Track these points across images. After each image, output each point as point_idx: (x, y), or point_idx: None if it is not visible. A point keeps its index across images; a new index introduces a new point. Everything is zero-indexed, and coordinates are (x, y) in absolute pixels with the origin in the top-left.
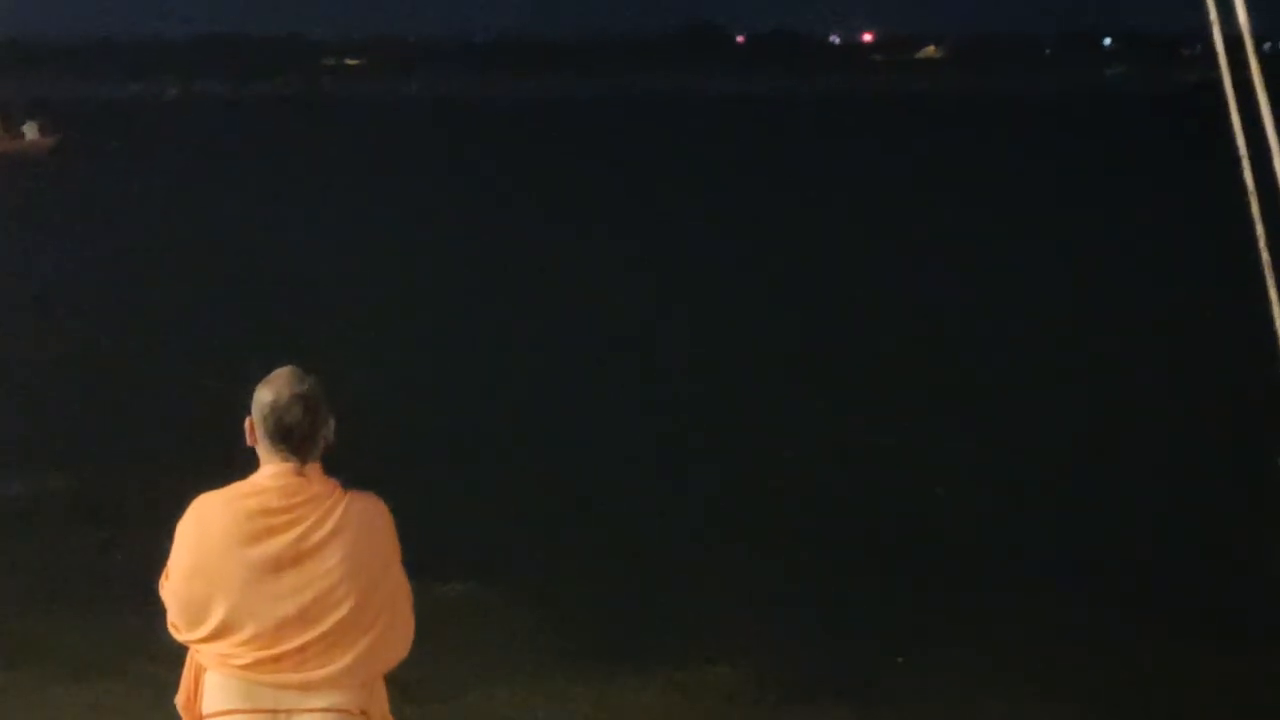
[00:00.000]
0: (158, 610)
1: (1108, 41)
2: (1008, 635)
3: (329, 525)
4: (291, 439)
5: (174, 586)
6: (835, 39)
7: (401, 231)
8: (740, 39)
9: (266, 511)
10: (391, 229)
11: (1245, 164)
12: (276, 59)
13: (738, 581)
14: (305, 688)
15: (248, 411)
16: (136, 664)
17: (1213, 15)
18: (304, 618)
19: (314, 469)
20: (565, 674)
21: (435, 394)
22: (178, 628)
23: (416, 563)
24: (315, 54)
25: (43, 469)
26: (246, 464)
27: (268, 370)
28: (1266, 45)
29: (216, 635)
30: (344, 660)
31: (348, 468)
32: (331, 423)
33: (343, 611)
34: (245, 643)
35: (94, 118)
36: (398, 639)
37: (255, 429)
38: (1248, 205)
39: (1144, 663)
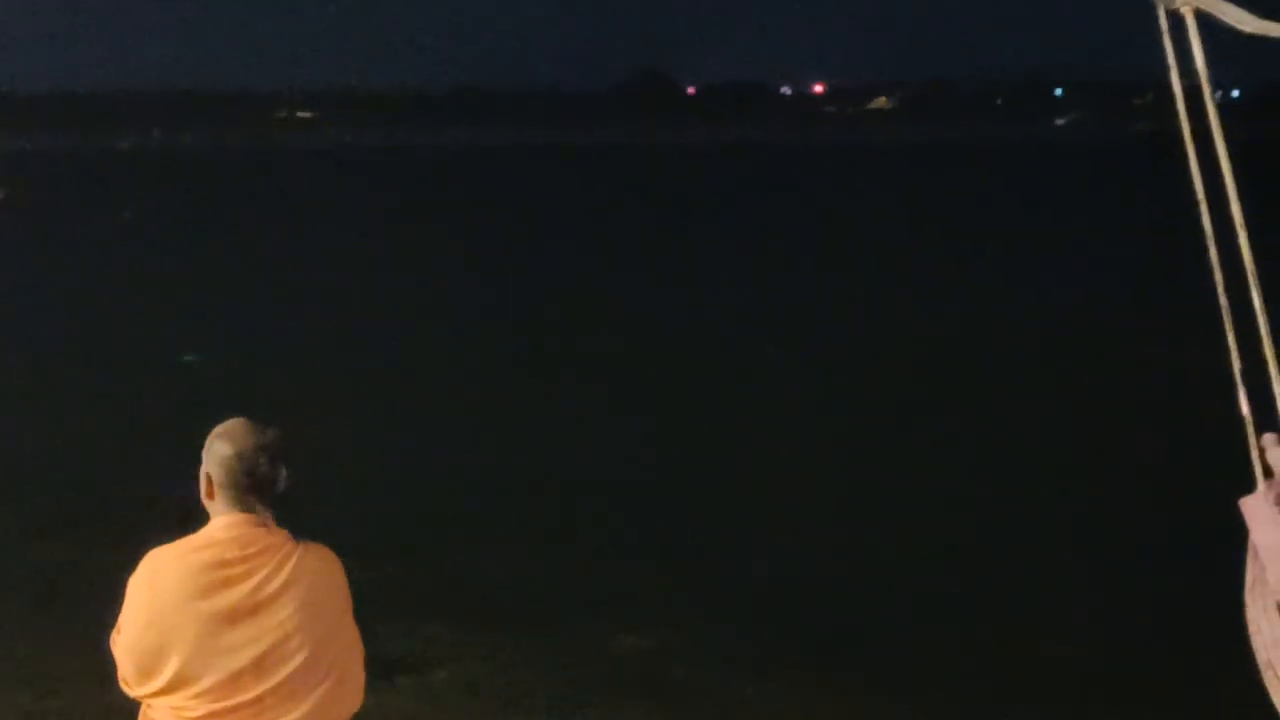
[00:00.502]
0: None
1: (1059, 91)
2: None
3: (283, 576)
4: (256, 490)
5: (127, 640)
6: (786, 90)
7: (355, 280)
8: (691, 90)
9: (221, 563)
10: (344, 277)
11: (1204, 210)
12: (228, 111)
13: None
14: None
15: (199, 463)
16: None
17: (1170, 62)
18: (259, 669)
19: (268, 519)
20: None
21: (388, 438)
22: (129, 682)
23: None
24: (267, 106)
25: None
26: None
27: (215, 419)
28: (1219, 93)
29: (171, 688)
30: (298, 712)
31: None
32: (284, 474)
33: (297, 662)
34: (200, 695)
35: (45, 170)
36: (349, 692)
37: (212, 482)
38: (1206, 252)
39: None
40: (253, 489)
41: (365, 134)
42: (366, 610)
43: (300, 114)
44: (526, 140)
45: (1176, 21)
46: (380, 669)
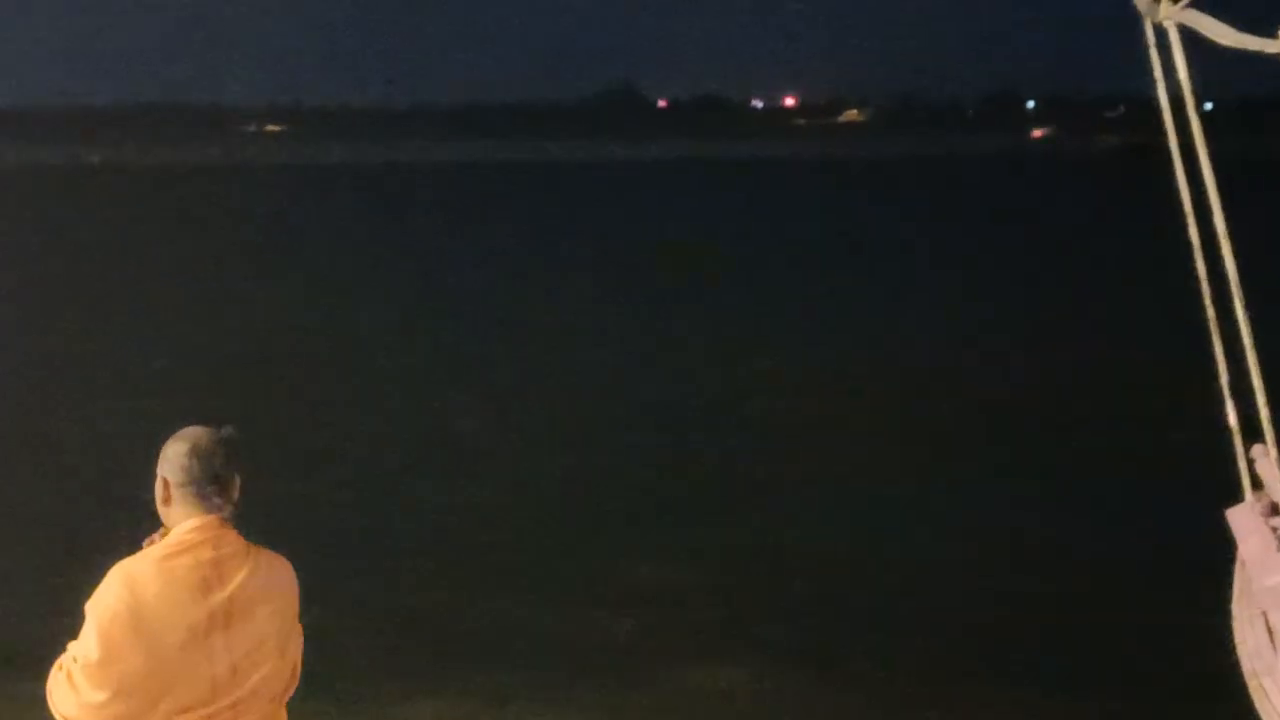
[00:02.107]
0: None
1: (1031, 104)
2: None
3: (258, 581)
4: (218, 483)
5: (101, 659)
6: (758, 103)
7: (323, 294)
8: (662, 103)
9: (199, 565)
10: (313, 291)
11: (1190, 221)
12: (196, 125)
13: None
14: None
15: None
16: None
17: (1157, 75)
18: (236, 674)
19: (229, 520)
20: None
21: (357, 448)
22: (99, 709)
23: None
24: (236, 120)
25: None
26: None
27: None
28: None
29: (153, 704)
30: (262, 712)
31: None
32: (238, 480)
33: (268, 667)
34: (183, 708)
35: (11, 185)
36: (294, 684)
37: (170, 485)
38: (1188, 262)
39: None
40: (212, 484)
41: (332, 149)
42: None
43: (269, 128)
44: (495, 155)
45: (1160, 36)
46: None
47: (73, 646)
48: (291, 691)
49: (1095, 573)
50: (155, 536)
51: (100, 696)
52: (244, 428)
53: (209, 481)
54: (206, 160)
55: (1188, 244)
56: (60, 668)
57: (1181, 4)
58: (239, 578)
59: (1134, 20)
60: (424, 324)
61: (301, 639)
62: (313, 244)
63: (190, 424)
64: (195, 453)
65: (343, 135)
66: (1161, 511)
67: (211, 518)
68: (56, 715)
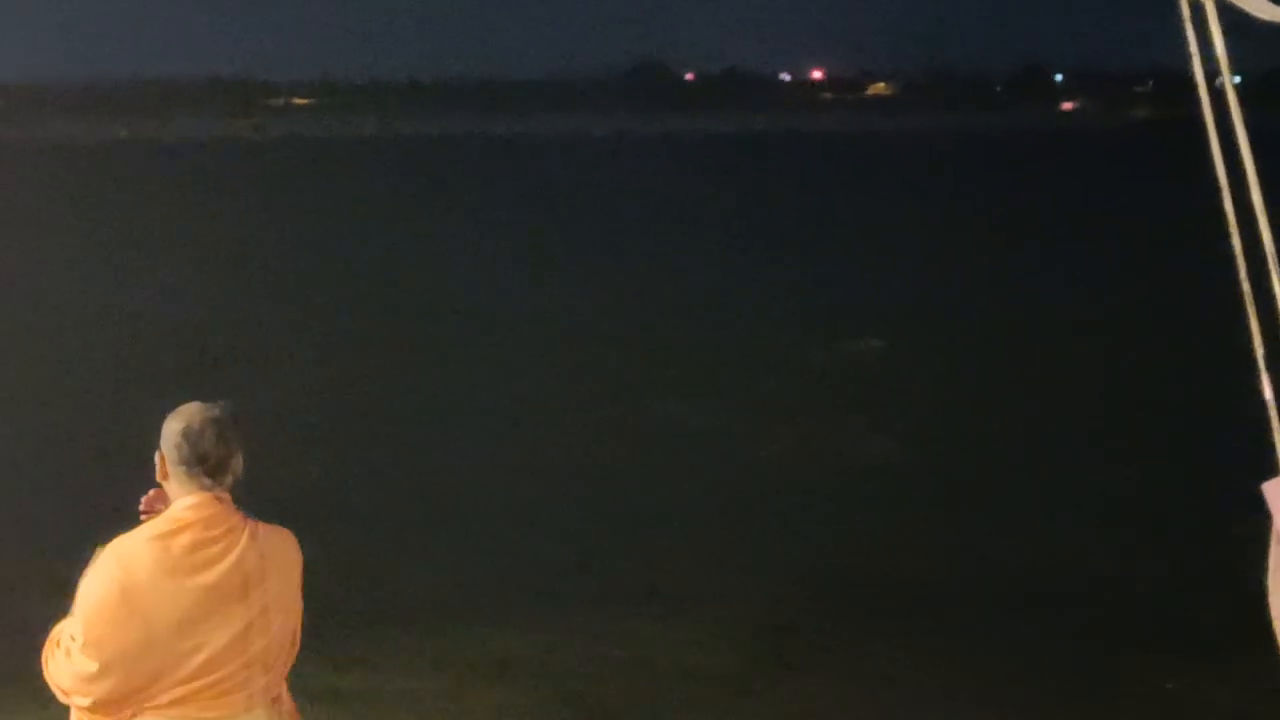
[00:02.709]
0: None
1: (1059, 78)
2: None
3: (256, 554)
4: (208, 463)
5: (96, 636)
6: (785, 76)
7: (352, 268)
8: (689, 77)
9: (195, 544)
10: (342, 266)
11: (1226, 196)
12: (224, 99)
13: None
14: (232, 713)
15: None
16: None
17: (1192, 50)
18: (236, 645)
19: (228, 499)
20: None
21: (383, 427)
22: (93, 689)
23: None
24: (263, 94)
25: None
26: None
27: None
28: (1219, 80)
29: (151, 681)
30: (266, 679)
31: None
32: (240, 455)
33: (272, 634)
34: (182, 683)
35: (41, 160)
36: (294, 655)
37: (165, 461)
38: (1225, 238)
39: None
40: (202, 464)
41: (362, 122)
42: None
43: (296, 101)
44: (523, 129)
45: (1195, 10)
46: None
47: (67, 622)
48: (291, 662)
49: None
50: (153, 494)
51: (94, 669)
52: (267, 403)
53: (198, 461)
54: (234, 133)
55: (1223, 217)
56: (57, 643)
57: None
58: (233, 555)
59: None
60: (455, 297)
61: (300, 610)
62: (342, 218)
63: (191, 401)
64: (186, 432)
65: (372, 109)
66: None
67: (206, 496)
68: (52, 687)
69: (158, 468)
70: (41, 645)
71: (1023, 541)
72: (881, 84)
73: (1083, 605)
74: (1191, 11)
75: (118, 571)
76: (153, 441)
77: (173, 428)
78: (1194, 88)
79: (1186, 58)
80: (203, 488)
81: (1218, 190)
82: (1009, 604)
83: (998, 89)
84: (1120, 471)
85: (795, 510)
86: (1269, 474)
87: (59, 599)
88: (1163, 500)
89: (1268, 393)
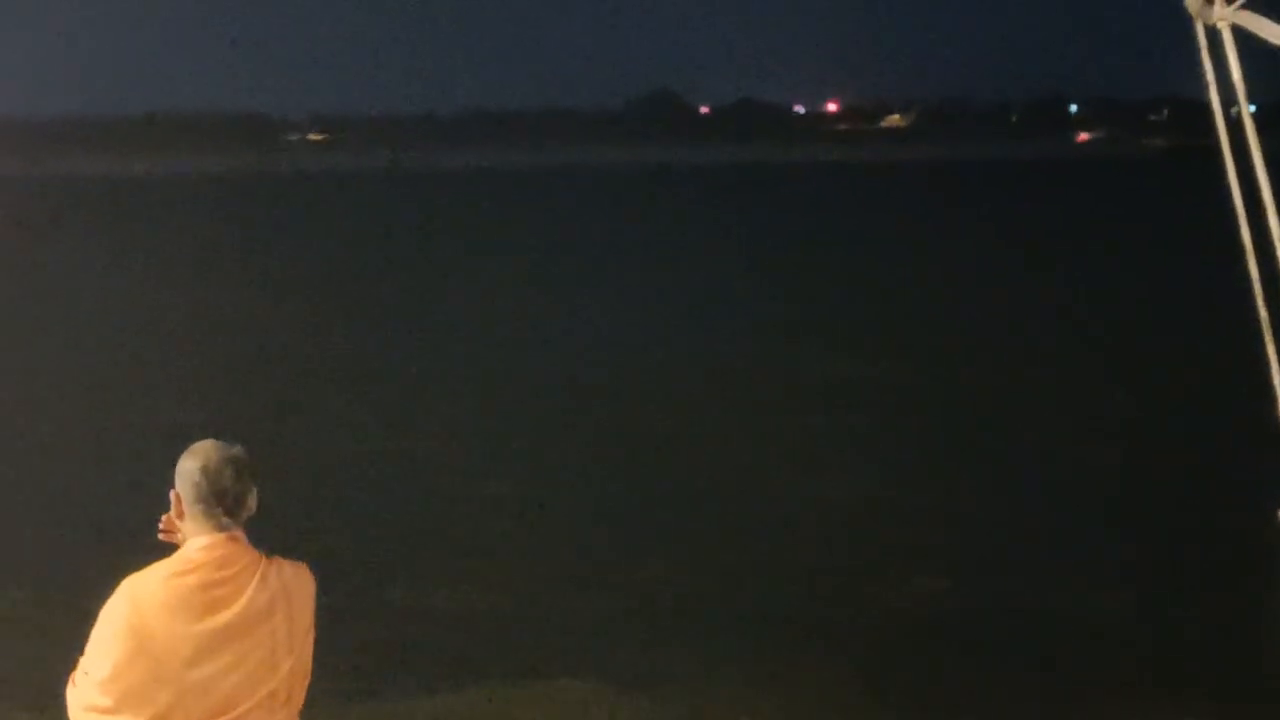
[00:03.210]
0: None
1: (1074, 108)
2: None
3: (269, 593)
4: (225, 502)
5: (106, 675)
6: (800, 108)
7: (370, 299)
8: (704, 109)
9: (206, 585)
10: (361, 297)
11: (1242, 222)
12: (241, 134)
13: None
14: None
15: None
16: None
17: (1209, 78)
18: (250, 684)
19: (242, 536)
20: None
21: (389, 462)
22: (107, 713)
23: None
24: (279, 129)
25: None
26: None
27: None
28: (1235, 109)
29: (161, 716)
30: (279, 717)
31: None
32: (255, 493)
33: (279, 676)
34: (195, 718)
35: (59, 195)
36: (303, 692)
37: (182, 500)
38: (1241, 263)
39: None
40: (220, 503)
41: (377, 156)
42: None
43: (312, 137)
44: (539, 161)
45: (1212, 37)
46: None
47: (82, 661)
48: (301, 700)
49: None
50: (169, 517)
51: (106, 703)
52: (305, 432)
53: (217, 501)
54: (249, 169)
55: (1240, 245)
56: (73, 683)
57: (1235, 5)
58: (247, 594)
59: (1175, 23)
60: (473, 330)
61: (312, 646)
62: (359, 252)
63: (206, 438)
64: (205, 471)
65: (386, 143)
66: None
67: (219, 536)
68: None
69: (173, 506)
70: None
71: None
72: (896, 115)
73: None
74: (1208, 40)
75: (130, 610)
76: (160, 455)
77: (190, 466)
78: (1210, 116)
79: (1202, 86)
80: (220, 526)
81: (1235, 217)
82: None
83: (1013, 119)
84: (1144, 499)
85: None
86: None
87: None
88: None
89: None
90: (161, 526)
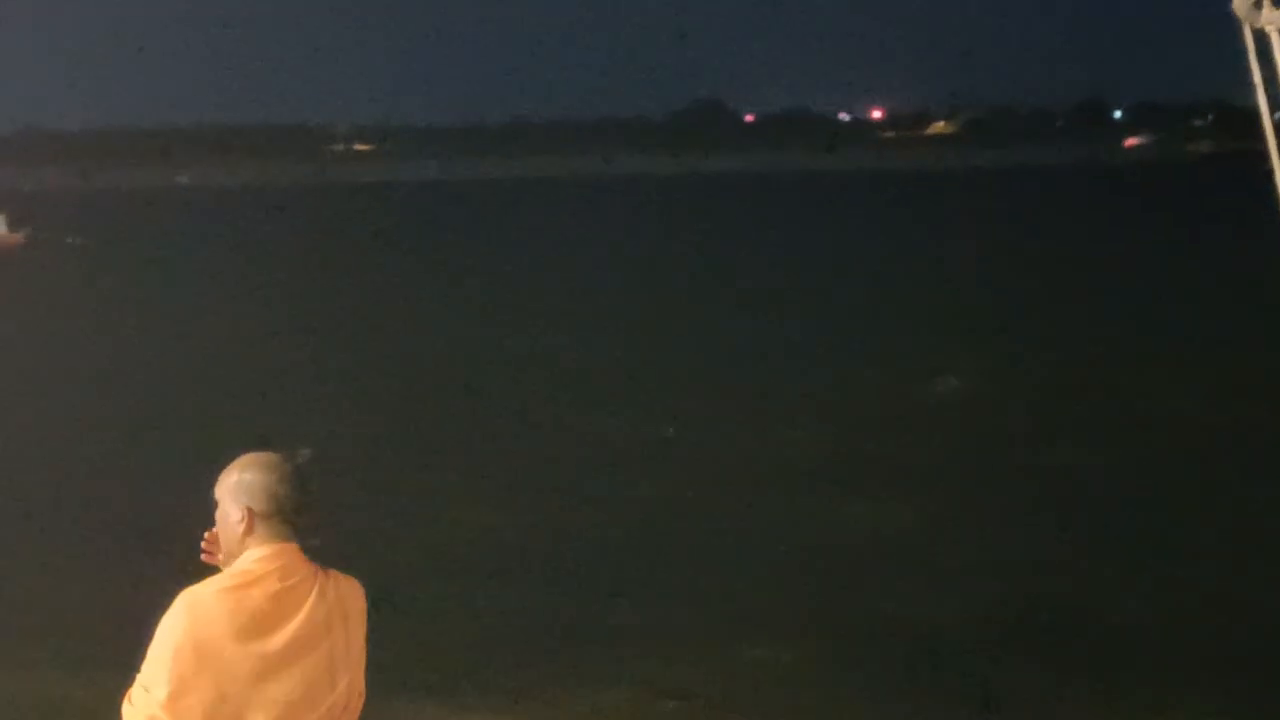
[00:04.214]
0: None
1: (1118, 114)
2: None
3: (327, 605)
4: (303, 512)
5: (170, 691)
6: (844, 116)
7: (417, 310)
8: (749, 118)
9: (269, 599)
10: (406, 309)
11: None
12: (284, 145)
13: None
14: None
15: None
16: None
17: (1256, 80)
18: (310, 700)
19: (299, 548)
20: None
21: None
22: None
23: None
24: (322, 140)
25: None
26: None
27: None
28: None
29: None
30: None
31: None
32: (315, 500)
33: (340, 688)
34: None
35: (106, 207)
36: (360, 706)
37: (253, 514)
38: None
39: None
40: (297, 511)
41: (424, 167)
42: None
43: (357, 147)
44: (586, 171)
45: (1260, 41)
46: None
47: (140, 677)
48: (358, 713)
49: None
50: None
51: None
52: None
53: (294, 511)
54: (295, 179)
55: None
56: (130, 701)
57: None
58: (306, 607)
59: (1221, 27)
60: (523, 337)
61: (364, 660)
62: (412, 261)
63: (255, 450)
64: (285, 480)
65: (433, 153)
66: None
67: (282, 545)
68: None
69: (235, 522)
70: None
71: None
72: (941, 122)
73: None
74: (1256, 44)
75: (190, 625)
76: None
77: (263, 480)
78: (1259, 119)
79: (1250, 89)
80: (286, 538)
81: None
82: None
83: (1059, 124)
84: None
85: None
86: None
87: None
88: None
89: None
90: (205, 548)
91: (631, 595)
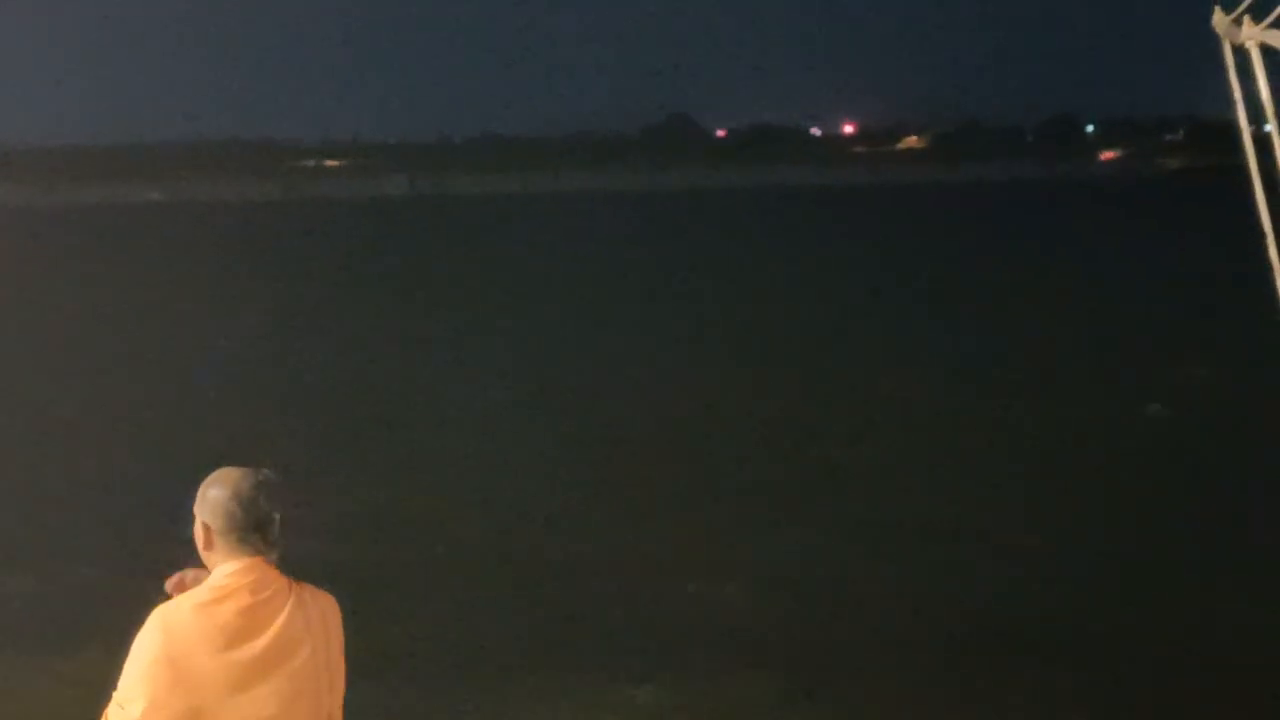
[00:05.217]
0: None
1: (1090, 128)
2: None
3: (301, 618)
4: (262, 529)
5: (146, 706)
6: (816, 131)
7: (384, 328)
8: (721, 132)
9: (241, 613)
10: (375, 325)
11: (1271, 241)
12: (254, 160)
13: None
14: None
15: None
16: None
17: (1235, 96)
18: (286, 714)
19: (272, 561)
20: None
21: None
22: None
23: None
24: (293, 155)
25: None
26: None
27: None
28: (1263, 128)
29: None
30: None
31: None
32: (279, 515)
33: (318, 704)
34: None
35: (75, 222)
36: (341, 716)
37: (211, 531)
38: (1272, 280)
39: None
40: (255, 529)
41: (393, 182)
42: None
43: (327, 163)
44: (557, 186)
45: (1239, 57)
46: None
47: (116, 694)
48: None
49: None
50: (177, 579)
51: None
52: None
53: (252, 529)
54: (265, 195)
55: (1267, 262)
56: (107, 717)
57: (1263, 25)
58: (279, 620)
59: (1192, 42)
60: (487, 356)
61: (344, 673)
62: (382, 278)
63: (226, 466)
64: (238, 498)
65: (402, 169)
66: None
67: (252, 560)
68: None
69: (199, 538)
70: None
71: None
72: (914, 137)
73: None
74: (1235, 60)
75: (164, 641)
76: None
77: (221, 495)
78: (1229, 135)
79: (1229, 105)
80: (255, 552)
81: (1262, 236)
82: None
83: (1030, 139)
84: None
85: None
86: None
87: None
88: None
89: None
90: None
91: None
